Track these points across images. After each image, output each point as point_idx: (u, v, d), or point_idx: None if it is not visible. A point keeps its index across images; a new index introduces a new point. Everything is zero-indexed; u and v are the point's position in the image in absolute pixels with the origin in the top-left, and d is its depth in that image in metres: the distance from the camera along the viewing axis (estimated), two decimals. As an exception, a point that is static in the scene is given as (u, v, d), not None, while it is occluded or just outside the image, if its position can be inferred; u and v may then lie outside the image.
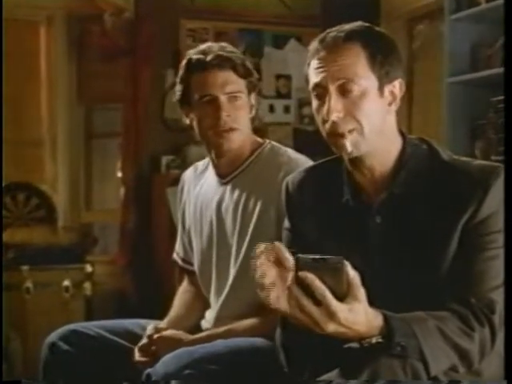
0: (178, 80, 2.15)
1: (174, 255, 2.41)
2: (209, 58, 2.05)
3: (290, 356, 1.64)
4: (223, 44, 2.13)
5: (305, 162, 2.09)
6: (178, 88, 2.14)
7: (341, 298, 1.37)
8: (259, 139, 2.21)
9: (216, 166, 2.18)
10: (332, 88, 1.58)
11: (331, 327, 1.37)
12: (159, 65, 4.52)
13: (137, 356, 2.11)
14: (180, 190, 2.35)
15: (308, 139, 4.49)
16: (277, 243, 1.44)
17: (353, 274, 1.38)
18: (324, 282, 1.36)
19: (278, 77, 4.93)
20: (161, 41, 4.58)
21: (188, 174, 2.35)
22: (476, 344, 1.50)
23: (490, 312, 1.52)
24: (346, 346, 1.45)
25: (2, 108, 4.31)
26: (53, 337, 2.17)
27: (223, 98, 2.05)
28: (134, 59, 4.59)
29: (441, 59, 3.87)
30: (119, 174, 4.77)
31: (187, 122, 2.16)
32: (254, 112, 2.15)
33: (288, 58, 4.93)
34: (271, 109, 4.88)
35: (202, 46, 2.12)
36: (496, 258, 1.54)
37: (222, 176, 2.17)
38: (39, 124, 4.75)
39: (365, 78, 1.58)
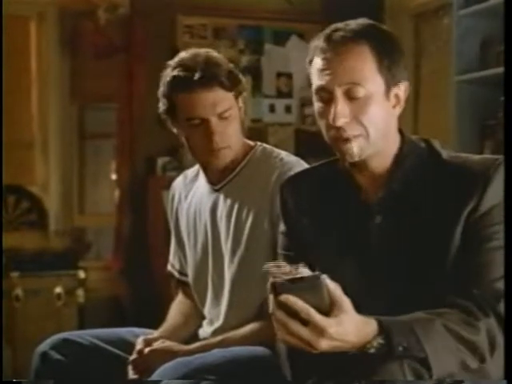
0: (160, 94, 2.10)
1: (169, 267, 2.40)
2: (196, 77, 2.00)
3: (295, 368, 1.65)
4: (208, 52, 2.08)
5: (298, 164, 2.08)
6: (163, 102, 2.10)
7: (326, 312, 1.39)
8: (250, 142, 2.20)
9: (207, 174, 2.18)
10: (339, 92, 1.58)
11: (324, 344, 1.38)
12: (155, 63, 4.49)
13: (130, 374, 2.10)
14: (171, 200, 2.35)
15: (311, 140, 4.50)
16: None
17: (333, 286, 1.40)
18: (306, 301, 1.37)
19: (279, 75, 4.93)
20: (157, 38, 4.59)
21: (178, 183, 2.34)
22: (483, 335, 1.51)
23: (495, 301, 1.54)
24: (351, 353, 1.45)
25: (2, 108, 4.32)
26: (44, 346, 2.17)
27: (214, 120, 2.03)
28: (128, 57, 4.60)
29: (448, 57, 3.88)
30: (113, 176, 4.78)
31: (174, 131, 2.15)
32: (242, 114, 2.14)
33: (289, 55, 4.94)
34: (272, 108, 4.89)
35: (185, 56, 2.07)
36: (499, 249, 1.57)
37: (214, 183, 2.17)
38: (30, 124, 4.75)
39: (372, 82, 1.58)
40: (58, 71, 4.74)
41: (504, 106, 1.91)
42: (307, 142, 4.60)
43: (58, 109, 4.75)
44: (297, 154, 2.18)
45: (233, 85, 2.07)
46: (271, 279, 1.41)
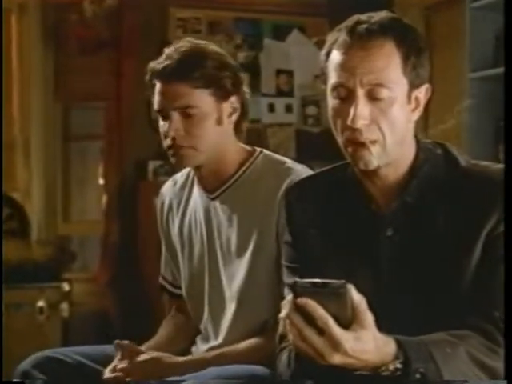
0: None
1: (161, 280, 2.40)
2: (161, 66, 2.05)
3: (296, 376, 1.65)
4: (198, 44, 2.08)
5: (306, 172, 2.05)
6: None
7: (346, 325, 1.37)
8: (247, 147, 2.18)
9: (200, 180, 2.17)
10: (361, 92, 1.56)
11: (337, 358, 1.37)
12: (146, 59, 4.51)
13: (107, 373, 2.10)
14: (160, 207, 2.34)
15: (312, 142, 4.50)
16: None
17: (358, 298, 1.38)
18: (326, 309, 1.36)
19: (279, 72, 4.94)
20: (147, 31, 4.60)
21: (167, 189, 2.32)
22: (503, 360, 1.51)
23: None
24: (357, 373, 1.45)
25: (1, 108, 4.32)
26: (26, 364, 2.16)
27: (175, 116, 2.03)
28: (117, 52, 4.61)
29: (461, 52, 3.88)
30: (101, 181, 4.78)
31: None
32: (234, 117, 2.09)
33: (290, 51, 4.95)
34: (271, 108, 4.89)
35: (173, 46, 2.09)
36: None
37: (209, 191, 2.15)
38: (10, 124, 4.75)
39: (397, 83, 1.58)
40: (40, 68, 4.74)
41: (505, 105, 1.91)
42: (309, 143, 4.60)
43: (40, 108, 4.76)
44: (298, 157, 2.18)
45: (210, 83, 2.03)
46: (293, 278, 1.40)
